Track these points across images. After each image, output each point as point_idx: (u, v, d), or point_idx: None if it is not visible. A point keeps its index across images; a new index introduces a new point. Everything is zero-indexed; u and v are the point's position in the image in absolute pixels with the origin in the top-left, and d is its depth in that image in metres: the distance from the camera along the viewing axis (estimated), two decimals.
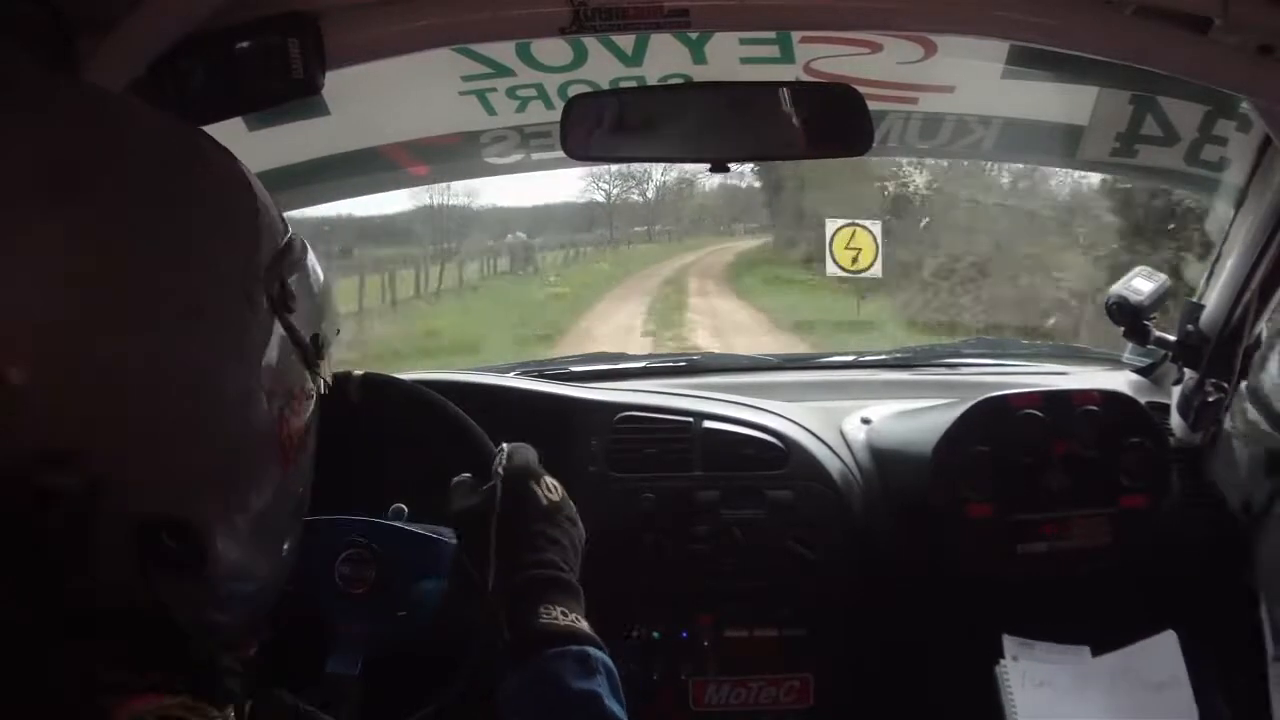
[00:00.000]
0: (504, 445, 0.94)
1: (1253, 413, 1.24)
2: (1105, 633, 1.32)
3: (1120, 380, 1.58)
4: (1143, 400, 1.40)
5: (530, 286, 9.25)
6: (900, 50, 1.42)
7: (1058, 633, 1.33)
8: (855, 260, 2.84)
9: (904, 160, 5.21)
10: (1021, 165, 5.62)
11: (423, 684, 1.05)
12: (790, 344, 6.10)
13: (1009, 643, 1.31)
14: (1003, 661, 1.30)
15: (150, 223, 0.56)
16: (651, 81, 1.47)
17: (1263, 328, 1.28)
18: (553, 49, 1.39)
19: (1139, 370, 1.62)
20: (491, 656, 0.81)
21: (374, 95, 1.41)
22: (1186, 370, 1.44)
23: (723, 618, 1.38)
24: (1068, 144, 1.59)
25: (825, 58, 1.45)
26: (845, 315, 5.63)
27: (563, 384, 1.54)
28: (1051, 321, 5.18)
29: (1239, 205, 1.39)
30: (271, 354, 0.62)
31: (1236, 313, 1.37)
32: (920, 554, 1.37)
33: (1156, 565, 1.37)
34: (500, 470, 0.90)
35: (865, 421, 1.49)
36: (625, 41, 1.40)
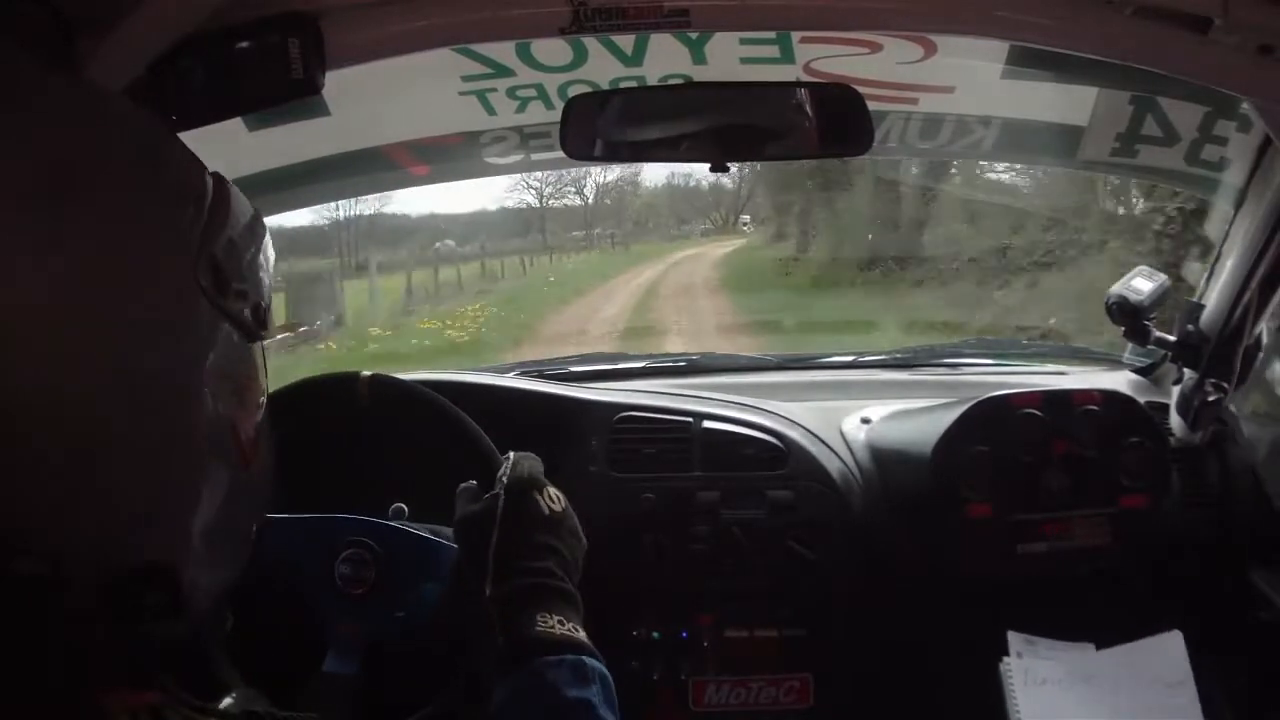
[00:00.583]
0: (510, 454, 0.95)
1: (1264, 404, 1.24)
2: (1105, 633, 1.32)
3: (1120, 380, 1.58)
4: (1143, 400, 1.40)
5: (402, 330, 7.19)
6: (900, 50, 1.42)
7: (1057, 633, 1.33)
8: None
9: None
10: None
11: (420, 686, 1.05)
12: None
13: (1013, 639, 1.30)
14: (1006, 659, 1.30)
15: (77, 216, 0.52)
16: (652, 81, 1.46)
17: (1263, 328, 1.28)
18: (553, 49, 1.39)
19: (1139, 370, 1.62)
20: (487, 662, 0.81)
21: (374, 95, 1.41)
22: (1186, 370, 1.44)
23: (723, 618, 1.38)
24: (1068, 144, 1.59)
25: (825, 58, 1.45)
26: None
27: (562, 384, 1.54)
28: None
29: (1239, 205, 1.39)
30: (218, 346, 0.58)
31: (1236, 312, 1.37)
32: (920, 554, 1.37)
33: (1156, 565, 1.37)
34: (504, 479, 0.91)
35: (865, 421, 1.49)
36: (625, 41, 1.40)
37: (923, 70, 1.47)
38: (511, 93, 1.51)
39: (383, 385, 1.18)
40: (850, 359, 1.79)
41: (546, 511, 0.90)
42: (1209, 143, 1.48)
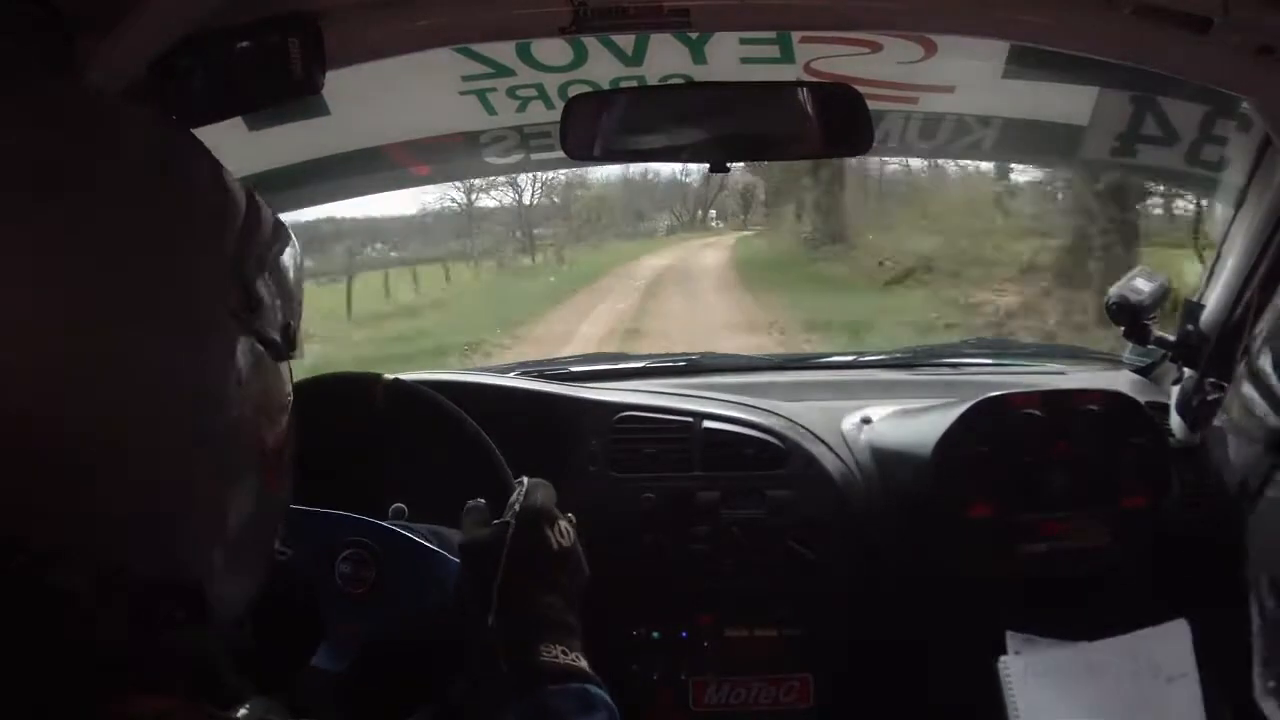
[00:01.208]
0: (524, 480, 0.94)
1: (1252, 394, 1.23)
2: (1105, 633, 1.32)
3: (1120, 380, 1.58)
4: (1143, 400, 1.40)
5: None
6: (900, 50, 1.42)
7: (1057, 632, 1.33)
8: None
9: None
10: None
11: (414, 689, 1.04)
12: None
13: (1011, 638, 1.30)
14: (1004, 658, 1.30)
15: (107, 231, 0.53)
16: (652, 81, 1.47)
17: (1263, 324, 1.28)
18: (553, 49, 1.39)
19: (1139, 370, 1.62)
20: (482, 677, 0.82)
21: (374, 95, 1.41)
22: (1186, 370, 1.44)
23: (723, 618, 1.38)
24: (1068, 144, 1.59)
25: (825, 58, 1.45)
26: None
27: (563, 384, 1.54)
28: None
29: (1239, 205, 1.39)
30: (247, 367, 0.59)
31: (1236, 312, 1.37)
32: (920, 554, 1.37)
33: (1157, 565, 1.37)
34: (516, 507, 0.90)
35: (865, 421, 1.49)
36: (625, 41, 1.40)
37: (923, 70, 1.47)
38: (512, 93, 1.52)
39: (399, 391, 1.17)
40: (850, 359, 1.78)
41: (555, 547, 0.89)
42: (1209, 142, 1.48)
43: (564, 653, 0.82)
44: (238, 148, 1.36)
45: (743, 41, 1.41)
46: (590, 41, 1.38)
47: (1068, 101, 1.53)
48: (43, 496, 0.51)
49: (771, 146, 1.24)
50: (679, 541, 1.36)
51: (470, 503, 0.96)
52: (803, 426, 1.46)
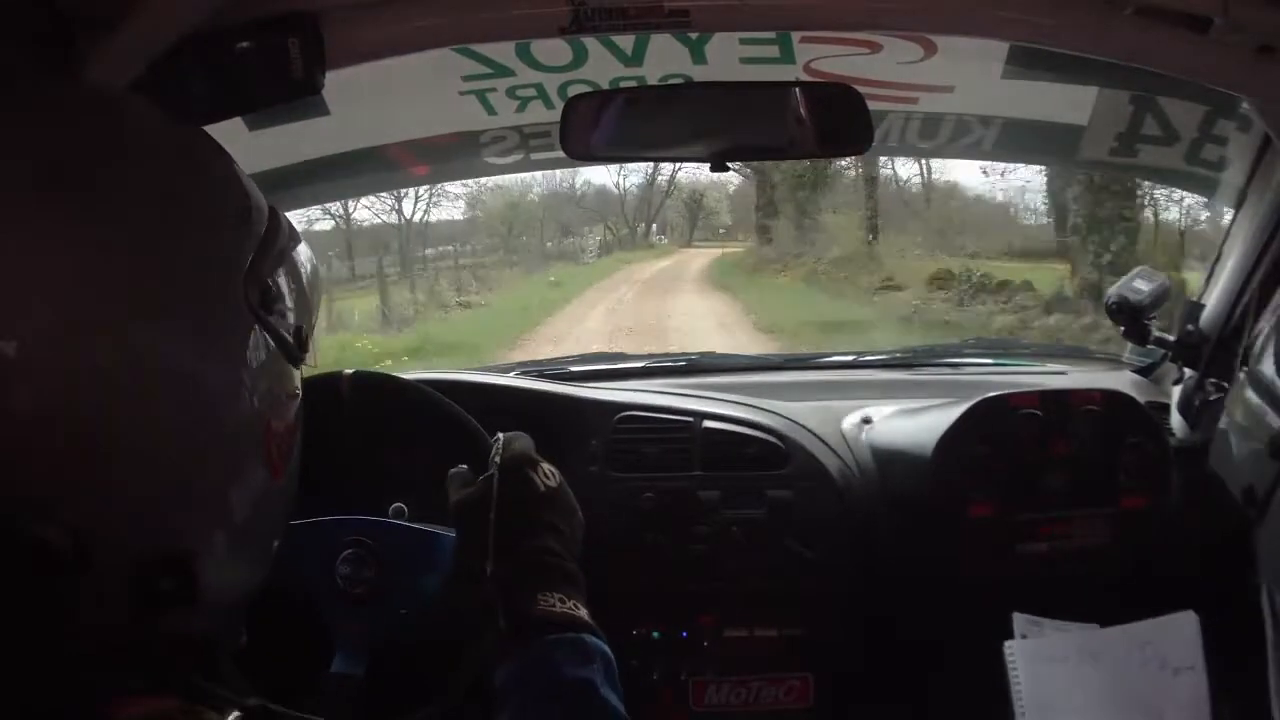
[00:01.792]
0: (500, 435, 0.94)
1: (1254, 398, 1.23)
2: None
3: (1120, 380, 1.58)
4: (1143, 400, 1.40)
5: None
6: (900, 50, 1.42)
7: None
8: None
9: None
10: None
11: (426, 681, 1.04)
12: None
13: (1018, 619, 1.29)
14: (1009, 643, 1.29)
15: (137, 227, 0.55)
16: (652, 81, 1.47)
17: (1263, 324, 1.28)
18: (553, 49, 1.40)
19: (1139, 370, 1.62)
20: (489, 648, 0.81)
21: (374, 95, 1.41)
22: (1186, 370, 1.44)
23: (723, 618, 1.38)
24: (1068, 144, 1.59)
25: (825, 58, 1.45)
26: None
27: (563, 384, 1.54)
28: None
29: (1239, 205, 1.39)
30: (259, 360, 0.60)
31: (1236, 312, 1.37)
32: (920, 554, 1.37)
33: (1157, 565, 1.37)
34: (497, 459, 0.90)
35: (865, 421, 1.49)
36: (625, 41, 1.40)
37: (923, 70, 1.47)
38: (511, 92, 1.52)
39: (364, 381, 1.17)
40: (850, 359, 1.78)
41: (542, 488, 0.89)
42: (1209, 142, 1.48)
43: (561, 601, 0.80)
44: (238, 148, 1.35)
45: (743, 41, 1.42)
46: (590, 41, 1.38)
47: (1068, 101, 1.53)
48: (48, 458, 0.52)
49: (771, 146, 1.24)
50: (679, 541, 1.36)
51: (453, 470, 0.95)
52: (803, 426, 1.46)
